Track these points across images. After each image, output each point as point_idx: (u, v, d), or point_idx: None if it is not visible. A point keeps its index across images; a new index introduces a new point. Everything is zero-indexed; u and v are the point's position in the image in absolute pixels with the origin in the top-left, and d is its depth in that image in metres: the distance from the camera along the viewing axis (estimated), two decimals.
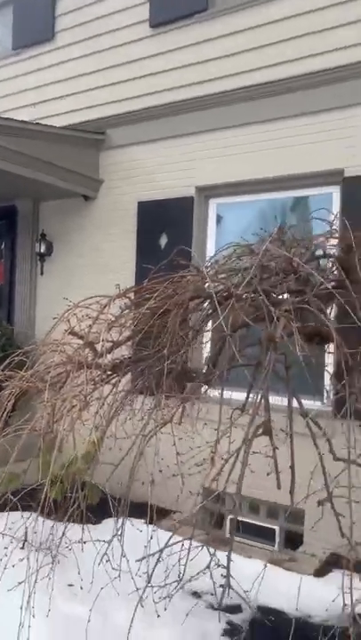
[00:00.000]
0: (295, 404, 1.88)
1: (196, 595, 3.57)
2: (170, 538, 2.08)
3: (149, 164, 5.42)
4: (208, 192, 5.20)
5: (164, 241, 5.30)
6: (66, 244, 6.01)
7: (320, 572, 3.97)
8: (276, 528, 4.58)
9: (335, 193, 4.55)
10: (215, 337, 2.28)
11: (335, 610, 2.80)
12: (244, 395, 2.15)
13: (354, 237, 2.79)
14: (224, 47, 4.88)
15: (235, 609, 3.53)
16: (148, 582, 1.77)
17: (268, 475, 1.69)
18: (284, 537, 4.57)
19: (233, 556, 4.14)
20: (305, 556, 4.21)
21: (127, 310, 2.36)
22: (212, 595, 3.53)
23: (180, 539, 2.12)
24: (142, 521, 2.91)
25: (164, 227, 5.29)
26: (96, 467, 2.52)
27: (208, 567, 1.68)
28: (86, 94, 5.78)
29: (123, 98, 5.50)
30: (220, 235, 5.29)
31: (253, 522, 4.65)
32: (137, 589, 1.89)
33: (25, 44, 6.26)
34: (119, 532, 2.04)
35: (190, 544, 1.84)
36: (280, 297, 2.15)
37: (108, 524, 2.40)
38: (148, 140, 5.39)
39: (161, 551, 1.79)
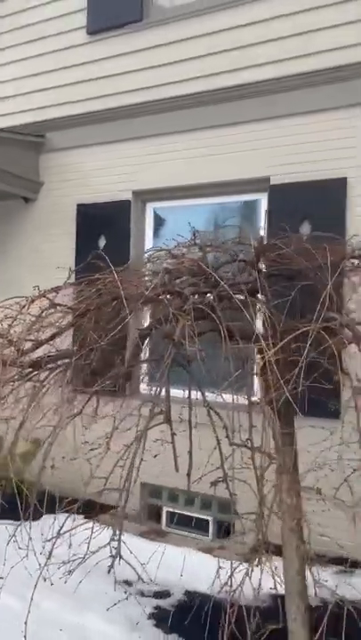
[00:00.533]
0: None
1: (127, 583, 3.72)
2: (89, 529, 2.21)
3: (88, 168, 5.54)
4: (145, 196, 5.36)
5: (102, 243, 5.43)
6: (5, 244, 6.04)
7: (247, 558, 4.21)
8: (210, 518, 4.79)
9: (263, 199, 4.81)
10: (132, 336, 2.44)
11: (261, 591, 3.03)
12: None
13: (265, 244, 3.03)
14: (158, 57, 5.06)
15: (163, 594, 3.72)
16: (48, 558, 1.91)
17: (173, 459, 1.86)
18: (216, 526, 4.79)
19: (168, 546, 4.33)
20: (235, 544, 4.43)
21: (47, 310, 2.49)
22: (143, 582, 3.69)
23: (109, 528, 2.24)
24: (81, 517, 3.03)
25: (103, 229, 5.42)
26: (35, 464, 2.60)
27: (108, 544, 1.83)
28: (27, 97, 5.85)
29: (62, 102, 5.60)
30: (157, 237, 5.47)
31: (189, 513, 4.85)
32: (40, 567, 2.00)
33: None
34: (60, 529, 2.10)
35: (93, 526, 1.98)
36: (192, 297, 2.32)
37: (47, 521, 2.46)
38: (87, 144, 5.51)
39: (59, 533, 1.93)
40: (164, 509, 5.03)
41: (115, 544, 1.74)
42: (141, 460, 1.77)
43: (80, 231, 5.53)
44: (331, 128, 4.38)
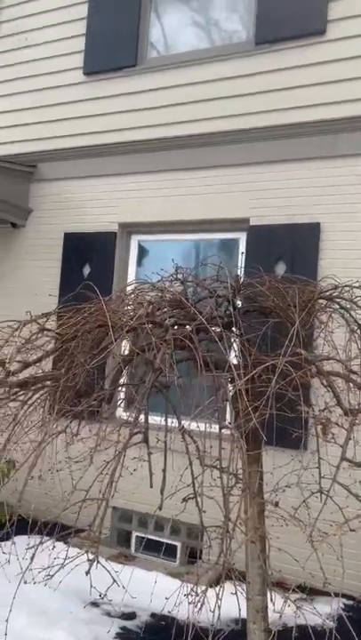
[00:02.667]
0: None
1: (94, 604, 3.81)
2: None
3: (77, 199, 5.78)
4: (130, 229, 5.62)
5: (87, 271, 5.64)
6: None
7: (213, 583, 4.33)
8: (179, 544, 4.90)
9: (242, 238, 5.10)
10: (114, 362, 2.63)
11: (222, 615, 3.16)
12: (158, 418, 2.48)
13: (241, 282, 3.28)
14: (147, 100, 5.39)
15: (130, 616, 3.81)
16: (21, 580, 2.04)
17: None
18: (185, 552, 4.90)
19: (136, 570, 4.42)
20: (202, 569, 4.55)
21: (36, 335, 2.66)
22: (110, 603, 3.78)
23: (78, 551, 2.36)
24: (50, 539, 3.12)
25: (89, 258, 5.64)
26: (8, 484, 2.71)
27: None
28: (21, 129, 6.10)
29: (55, 135, 5.87)
30: (140, 267, 5.71)
31: (158, 539, 4.95)
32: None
33: None
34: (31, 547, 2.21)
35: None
36: (172, 328, 2.53)
37: (20, 541, 2.54)
38: (77, 177, 5.77)
39: (33, 555, 2.06)
40: (134, 534, 5.12)
41: (85, 565, 1.88)
42: (117, 479, 1.94)
43: (66, 258, 5.74)
44: (308, 176, 4.72)
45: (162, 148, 5.32)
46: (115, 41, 5.64)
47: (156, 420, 2.29)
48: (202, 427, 2.30)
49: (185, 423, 2.30)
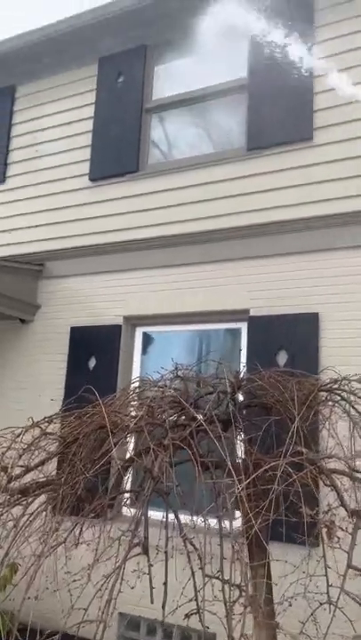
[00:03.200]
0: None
1: None
2: None
3: (83, 294, 5.99)
4: (135, 321, 5.77)
5: (92, 363, 5.73)
6: (1, 363, 6.32)
7: None
8: None
9: (243, 328, 5.21)
10: (115, 466, 2.63)
11: None
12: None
13: (241, 377, 3.34)
14: (148, 202, 5.73)
15: None
16: None
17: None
18: None
19: None
20: None
21: (39, 438, 2.69)
22: None
23: None
24: None
25: (94, 350, 5.75)
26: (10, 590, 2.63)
27: None
28: (32, 230, 6.46)
29: (62, 236, 6.19)
30: (145, 357, 5.80)
31: None
32: None
33: None
34: None
35: None
36: (170, 431, 2.56)
37: None
38: (83, 273, 6.02)
39: None
40: None
41: None
42: (119, 591, 1.90)
43: (72, 352, 5.85)
44: (305, 268, 4.90)
45: (163, 245, 5.59)
46: (118, 149, 6.09)
47: (158, 516, 2.27)
48: (206, 524, 2.27)
49: (189, 522, 2.27)
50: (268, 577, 2.61)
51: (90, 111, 6.37)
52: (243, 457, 2.60)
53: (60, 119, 6.57)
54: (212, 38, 5.93)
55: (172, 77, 6.26)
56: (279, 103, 5.29)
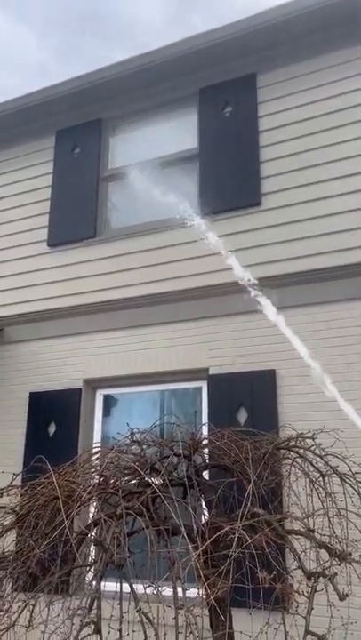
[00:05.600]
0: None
1: None
2: None
3: (42, 358, 5.95)
4: (95, 384, 5.73)
5: (52, 429, 5.62)
6: None
7: None
8: None
9: (204, 387, 5.25)
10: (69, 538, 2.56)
11: None
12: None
13: (199, 439, 3.34)
14: (107, 266, 5.85)
15: None
16: None
17: None
18: None
19: None
20: None
21: None
22: None
23: None
24: None
25: (54, 415, 5.65)
26: None
27: None
28: None
29: (21, 300, 6.20)
30: (107, 421, 5.72)
31: None
32: None
33: None
34: None
35: None
36: (122, 501, 2.52)
37: None
38: (42, 337, 6.00)
39: None
40: None
41: None
42: None
43: (31, 418, 5.73)
44: (262, 326, 5.02)
45: (122, 307, 5.66)
46: (76, 215, 6.25)
47: (113, 587, 2.20)
48: (160, 595, 2.20)
49: (142, 600, 2.20)
50: None
51: (48, 180, 6.56)
52: (200, 521, 2.57)
53: (18, 188, 6.73)
54: (162, 109, 6.30)
55: (127, 147, 6.55)
56: (228, 170, 5.58)
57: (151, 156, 6.19)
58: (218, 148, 5.77)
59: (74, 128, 6.63)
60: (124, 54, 6.20)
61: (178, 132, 6.29)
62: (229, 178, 5.57)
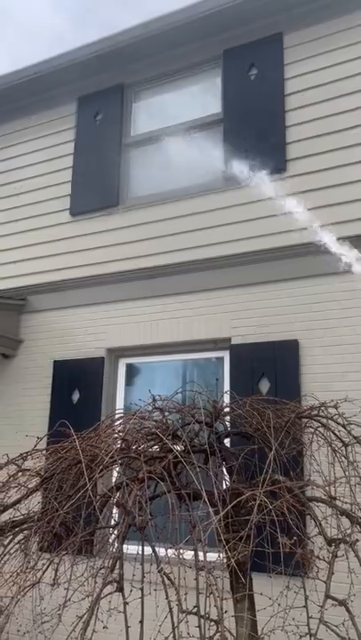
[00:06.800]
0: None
1: None
2: None
3: (65, 327, 6.00)
4: (117, 352, 5.77)
5: (76, 396, 5.70)
6: None
7: None
8: None
9: (226, 356, 5.23)
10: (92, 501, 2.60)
11: None
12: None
13: (221, 406, 3.34)
14: (130, 235, 5.81)
15: None
16: None
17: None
18: None
19: None
20: None
21: (15, 475, 2.66)
22: None
23: None
24: None
25: (77, 383, 5.72)
26: None
27: None
28: (13, 265, 6.49)
29: (43, 270, 6.22)
30: (129, 390, 5.77)
31: None
32: None
33: None
34: None
35: None
36: (145, 465, 2.54)
37: None
38: (65, 307, 6.04)
39: None
40: None
41: None
42: (94, 631, 1.86)
43: (55, 386, 5.82)
44: (284, 296, 4.96)
45: (144, 276, 5.64)
46: (98, 184, 6.19)
47: (134, 550, 2.24)
48: (181, 557, 2.23)
49: (164, 562, 2.23)
50: (251, 610, 2.57)
51: (70, 148, 6.49)
52: (220, 487, 2.59)
53: (40, 156, 6.68)
54: (186, 73, 6.14)
55: (150, 113, 6.43)
56: (253, 135, 5.43)
57: (174, 122, 6.06)
58: (242, 113, 5.61)
59: (96, 94, 6.51)
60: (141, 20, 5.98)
61: (201, 97, 6.13)
62: (254, 143, 5.42)
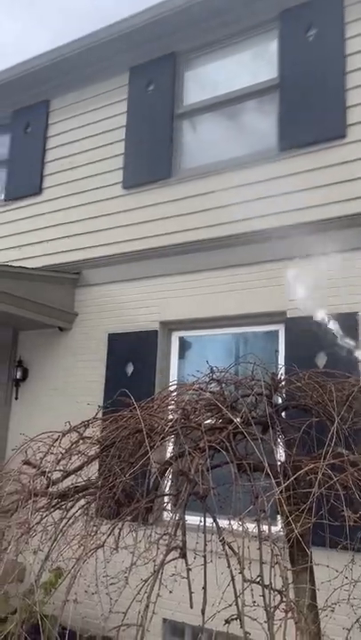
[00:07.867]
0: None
1: None
2: None
3: (119, 300, 6.05)
4: (171, 326, 5.77)
5: (130, 369, 5.76)
6: (40, 370, 6.44)
7: None
8: None
9: (281, 330, 5.14)
10: (153, 469, 2.62)
11: None
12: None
13: (279, 379, 3.28)
14: (183, 207, 5.73)
15: None
16: None
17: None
18: None
19: None
20: None
21: (76, 443, 2.71)
22: None
23: None
24: None
25: (132, 356, 5.78)
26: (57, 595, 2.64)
27: None
28: (68, 240, 6.57)
29: (98, 244, 6.27)
30: (182, 363, 5.79)
31: None
32: None
33: (16, 196, 7.19)
34: None
35: None
36: (205, 435, 2.53)
37: None
38: (119, 280, 6.07)
39: None
40: None
41: None
42: (158, 595, 1.88)
43: (110, 358, 5.90)
44: (341, 268, 4.79)
45: (197, 249, 5.58)
46: (150, 156, 6.13)
47: (195, 521, 2.25)
48: (244, 528, 2.22)
49: (225, 532, 2.23)
50: (312, 582, 2.54)
51: (122, 120, 6.44)
52: (282, 459, 2.55)
53: (92, 130, 6.67)
54: (240, 37, 5.93)
55: (202, 82, 6.27)
56: (311, 100, 5.21)
57: (228, 90, 5.90)
58: (300, 77, 5.37)
59: (147, 64, 6.40)
60: None
61: (256, 63, 5.92)
62: (312, 108, 5.20)
